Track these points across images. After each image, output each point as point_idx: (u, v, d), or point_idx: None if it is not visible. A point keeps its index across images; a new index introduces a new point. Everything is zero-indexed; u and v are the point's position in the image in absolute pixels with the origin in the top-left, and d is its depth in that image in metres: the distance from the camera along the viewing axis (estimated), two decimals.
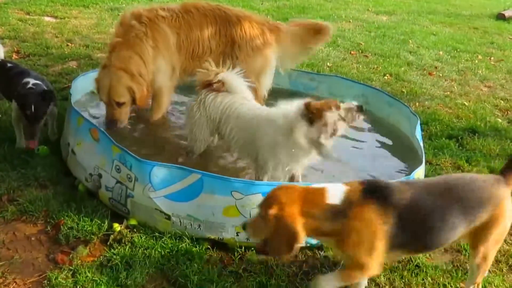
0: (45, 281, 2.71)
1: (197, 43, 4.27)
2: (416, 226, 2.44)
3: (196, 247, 3.02)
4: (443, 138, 4.91)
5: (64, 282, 2.70)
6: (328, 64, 7.12)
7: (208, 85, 3.66)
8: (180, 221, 3.09)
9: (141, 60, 4.03)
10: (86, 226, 3.09)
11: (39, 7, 8.52)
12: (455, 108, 5.91)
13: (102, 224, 3.13)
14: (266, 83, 4.54)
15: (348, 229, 2.38)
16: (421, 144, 3.96)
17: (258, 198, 2.81)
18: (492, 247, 2.67)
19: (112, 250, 2.95)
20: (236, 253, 3.05)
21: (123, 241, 3.04)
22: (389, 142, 4.64)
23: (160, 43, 4.10)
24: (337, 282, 2.53)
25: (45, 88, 3.87)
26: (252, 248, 3.05)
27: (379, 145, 4.59)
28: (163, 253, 2.95)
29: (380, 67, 7.27)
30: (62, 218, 3.14)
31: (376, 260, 2.43)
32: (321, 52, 7.75)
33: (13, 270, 2.78)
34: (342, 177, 3.67)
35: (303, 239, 2.36)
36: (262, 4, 11.84)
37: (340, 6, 12.30)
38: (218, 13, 4.32)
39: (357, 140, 4.51)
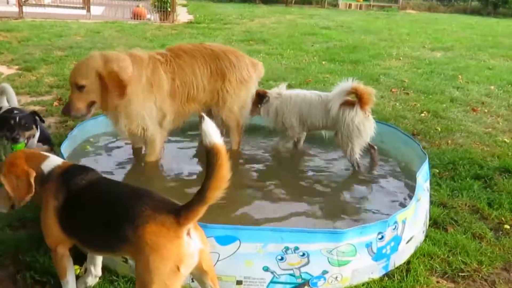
0: None
1: (192, 85, 4.21)
2: (75, 213, 2.53)
3: None
4: (467, 179, 4.41)
5: None
6: None
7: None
8: None
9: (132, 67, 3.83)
10: (46, 268, 3.06)
11: None
12: (493, 145, 5.36)
13: None
14: (247, 115, 4.63)
15: (42, 198, 2.62)
16: (418, 181, 3.49)
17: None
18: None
19: None
20: None
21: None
22: (396, 181, 4.28)
23: (155, 86, 4.01)
24: None
25: None
26: None
27: (387, 183, 4.26)
28: None
29: (419, 104, 6.85)
30: (28, 259, 3.15)
31: (50, 231, 2.61)
32: None
33: None
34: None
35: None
36: (312, 46, 11.84)
37: (394, 45, 11.97)
38: (205, 51, 4.29)
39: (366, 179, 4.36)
